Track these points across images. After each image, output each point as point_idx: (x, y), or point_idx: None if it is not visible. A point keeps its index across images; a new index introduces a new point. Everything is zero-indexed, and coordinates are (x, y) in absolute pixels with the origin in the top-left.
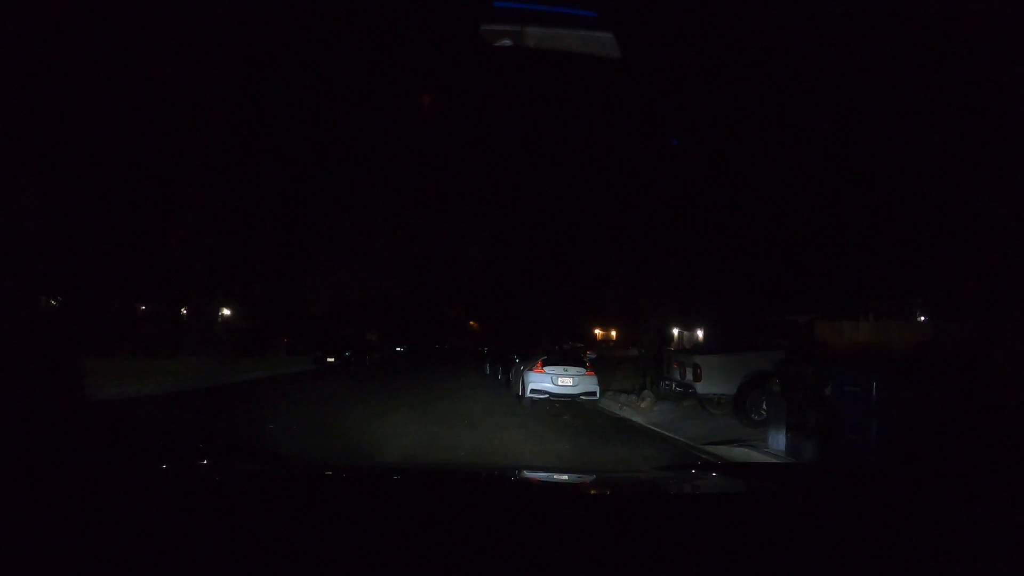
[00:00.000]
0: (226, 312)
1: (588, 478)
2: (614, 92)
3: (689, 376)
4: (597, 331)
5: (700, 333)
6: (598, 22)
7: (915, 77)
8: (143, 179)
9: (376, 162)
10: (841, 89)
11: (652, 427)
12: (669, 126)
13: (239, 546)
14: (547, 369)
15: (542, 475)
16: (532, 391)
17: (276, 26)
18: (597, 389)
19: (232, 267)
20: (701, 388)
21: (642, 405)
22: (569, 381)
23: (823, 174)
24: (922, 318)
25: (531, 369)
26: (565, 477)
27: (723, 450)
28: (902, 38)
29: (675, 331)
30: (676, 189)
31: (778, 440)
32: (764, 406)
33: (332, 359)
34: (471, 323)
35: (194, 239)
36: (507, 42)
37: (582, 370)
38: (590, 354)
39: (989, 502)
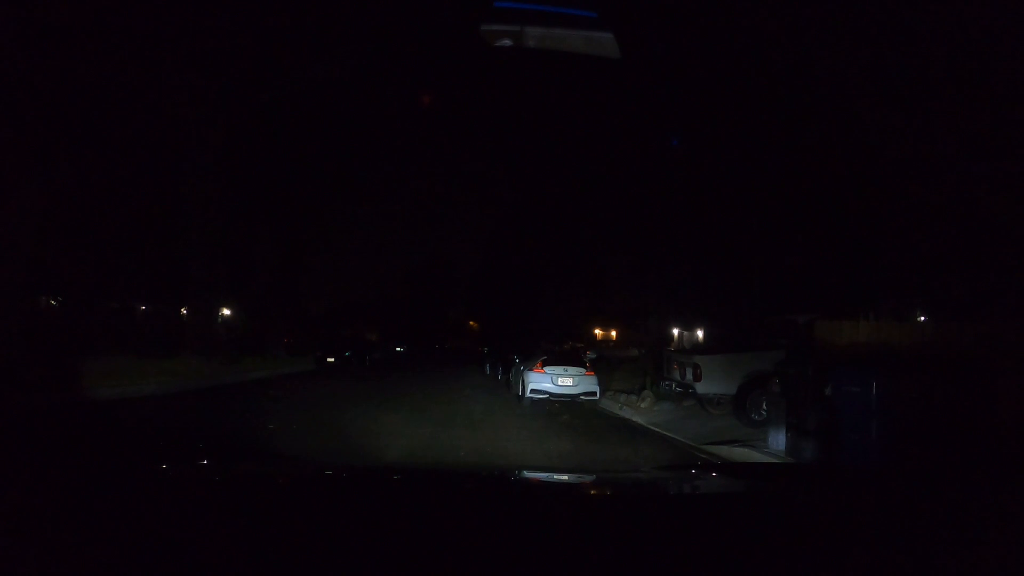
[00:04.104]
0: (226, 312)
1: (588, 478)
2: (614, 92)
3: (689, 376)
4: (597, 331)
5: (700, 333)
6: (598, 22)
7: (915, 76)
8: (143, 179)
9: (376, 163)
10: (841, 88)
11: (652, 427)
12: (669, 126)
13: (239, 546)
14: (547, 369)
15: (542, 475)
16: (532, 391)
17: (276, 26)
18: (597, 389)
19: (232, 267)
20: (701, 388)
21: (642, 405)
22: (569, 381)
23: (823, 174)
24: (922, 318)
25: (531, 369)
26: (565, 477)
27: (723, 450)
28: (902, 38)
29: (675, 331)
30: (676, 189)
31: (778, 440)
32: (764, 406)
33: (332, 359)
34: (471, 323)
35: (194, 239)
36: (507, 42)
37: (582, 370)
38: (590, 354)
39: (989, 502)
